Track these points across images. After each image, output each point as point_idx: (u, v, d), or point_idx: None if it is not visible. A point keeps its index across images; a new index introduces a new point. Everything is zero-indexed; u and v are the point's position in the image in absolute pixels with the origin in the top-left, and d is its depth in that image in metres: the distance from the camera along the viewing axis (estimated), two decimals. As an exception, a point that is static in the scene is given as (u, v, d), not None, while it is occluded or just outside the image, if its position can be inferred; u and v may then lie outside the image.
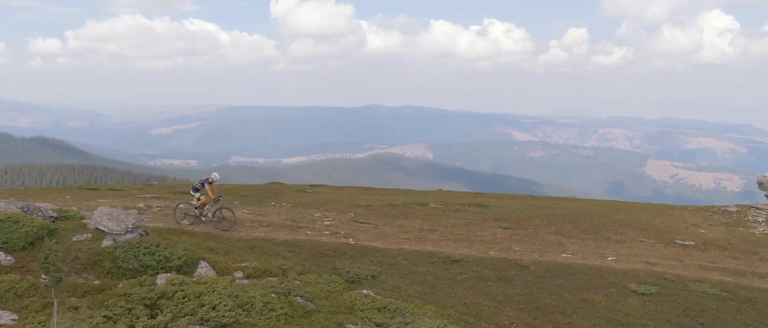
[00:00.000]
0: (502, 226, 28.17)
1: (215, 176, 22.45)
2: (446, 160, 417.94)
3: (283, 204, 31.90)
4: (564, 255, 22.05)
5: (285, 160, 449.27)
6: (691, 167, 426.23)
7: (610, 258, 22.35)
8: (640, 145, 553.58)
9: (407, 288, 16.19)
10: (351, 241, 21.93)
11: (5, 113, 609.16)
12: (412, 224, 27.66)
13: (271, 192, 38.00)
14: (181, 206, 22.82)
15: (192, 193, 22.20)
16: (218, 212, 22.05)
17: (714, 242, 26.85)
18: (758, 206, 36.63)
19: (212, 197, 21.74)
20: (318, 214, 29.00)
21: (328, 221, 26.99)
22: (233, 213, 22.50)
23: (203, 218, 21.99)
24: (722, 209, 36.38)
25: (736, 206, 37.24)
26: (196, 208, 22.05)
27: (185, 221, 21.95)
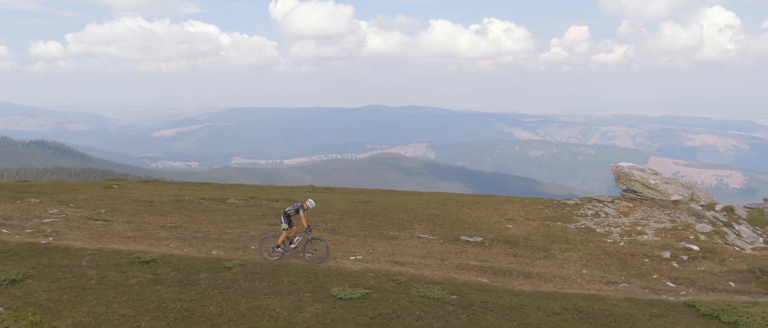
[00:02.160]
0: (272, 222, 27.92)
1: (310, 203, 20.56)
2: (448, 160, 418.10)
3: (32, 200, 30.85)
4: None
5: (287, 162, 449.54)
6: (692, 164, 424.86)
7: (357, 257, 21.64)
8: (642, 143, 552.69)
9: (44, 295, 14.77)
10: (42, 241, 20.89)
11: (10, 117, 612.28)
12: (164, 221, 27.10)
13: (68, 188, 36.87)
14: (270, 236, 21.57)
15: (283, 220, 20.15)
16: (309, 243, 20.58)
17: (508, 238, 26.48)
18: (600, 199, 36.71)
19: (304, 226, 20.07)
20: (55, 210, 28.32)
21: (53, 218, 26.20)
22: (326, 244, 21.01)
23: (291, 248, 20.44)
24: (562, 202, 36.21)
25: (580, 199, 37.06)
26: (278, 244, 20.30)
27: (273, 257, 20.18)
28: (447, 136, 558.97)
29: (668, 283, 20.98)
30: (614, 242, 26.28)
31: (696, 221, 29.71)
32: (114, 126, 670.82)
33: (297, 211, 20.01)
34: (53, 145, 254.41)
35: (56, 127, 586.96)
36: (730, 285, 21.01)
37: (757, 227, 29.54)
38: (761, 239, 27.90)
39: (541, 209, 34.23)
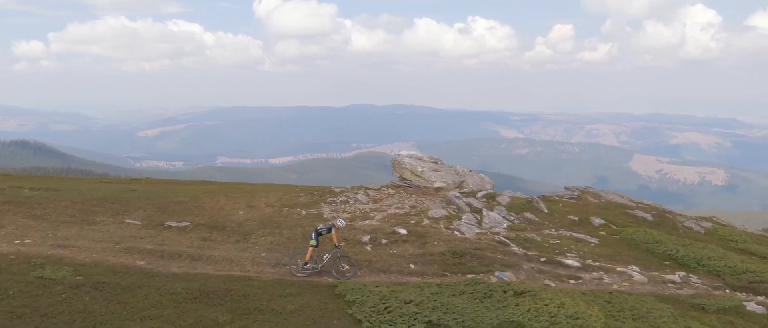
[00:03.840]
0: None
1: (341, 222, 21.34)
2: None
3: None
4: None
5: (272, 161, 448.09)
6: (676, 161, 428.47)
7: (25, 241, 22.40)
8: (626, 141, 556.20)
9: None
10: None
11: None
12: None
13: None
14: (299, 253, 21.75)
15: (313, 237, 20.58)
16: (336, 259, 20.91)
17: (218, 224, 27.23)
18: (368, 186, 37.73)
19: (336, 244, 20.58)
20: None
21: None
22: (353, 261, 21.53)
23: (316, 265, 20.79)
24: (328, 189, 37.25)
25: (352, 187, 37.99)
26: (306, 261, 20.67)
27: (302, 274, 20.51)
28: (433, 134, 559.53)
29: (344, 265, 21.49)
30: None
31: (443, 207, 30.76)
32: (97, 126, 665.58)
33: (329, 230, 20.54)
34: (34, 146, 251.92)
35: (39, 127, 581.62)
36: (410, 267, 21.83)
37: (512, 213, 31.16)
38: (506, 224, 29.47)
39: (299, 196, 34.72)
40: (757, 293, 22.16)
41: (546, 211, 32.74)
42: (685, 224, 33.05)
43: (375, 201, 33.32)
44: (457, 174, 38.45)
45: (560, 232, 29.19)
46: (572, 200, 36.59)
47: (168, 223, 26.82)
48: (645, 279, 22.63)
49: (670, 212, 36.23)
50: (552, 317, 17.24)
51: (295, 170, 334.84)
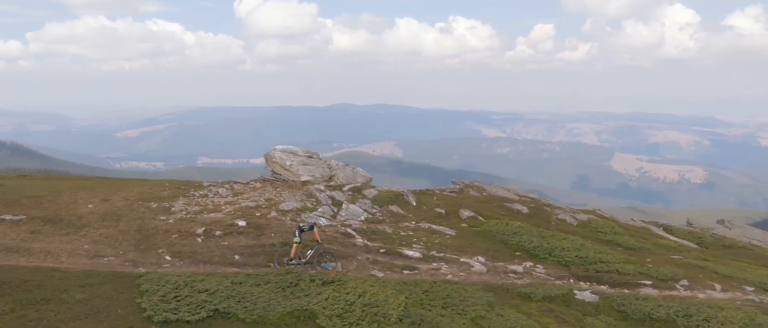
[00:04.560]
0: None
1: (323, 221, 23.49)
2: (415, 158, 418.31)
3: None
4: None
5: (253, 161, 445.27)
6: (655, 160, 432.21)
7: None
8: (607, 140, 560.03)
9: None
10: None
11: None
12: None
13: None
14: (282, 250, 22.50)
15: (296, 234, 21.49)
16: (319, 255, 21.83)
17: (58, 217, 27.00)
18: (237, 180, 38.21)
19: (317, 241, 21.66)
20: None
21: None
22: (335, 256, 22.47)
23: (300, 260, 21.59)
24: (196, 183, 37.25)
25: (223, 181, 38.03)
26: (291, 257, 21.51)
27: (278, 266, 21.34)
28: (414, 134, 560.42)
29: (166, 256, 21.87)
30: (166, 220, 27.00)
31: (301, 200, 31.18)
32: (77, 126, 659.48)
33: (311, 227, 21.66)
34: (11, 146, 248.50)
35: (17, 127, 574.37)
36: (235, 258, 22.06)
37: (376, 206, 31.69)
38: (364, 216, 30.08)
39: (162, 190, 34.60)
40: (600, 282, 22.91)
41: (414, 204, 33.14)
42: (559, 216, 33.95)
43: (236, 194, 33.52)
44: (329, 168, 39.11)
45: (419, 224, 29.60)
46: (453, 194, 37.70)
47: (3, 216, 26.49)
48: (485, 269, 23.10)
49: (549, 205, 37.06)
50: (348, 304, 17.83)
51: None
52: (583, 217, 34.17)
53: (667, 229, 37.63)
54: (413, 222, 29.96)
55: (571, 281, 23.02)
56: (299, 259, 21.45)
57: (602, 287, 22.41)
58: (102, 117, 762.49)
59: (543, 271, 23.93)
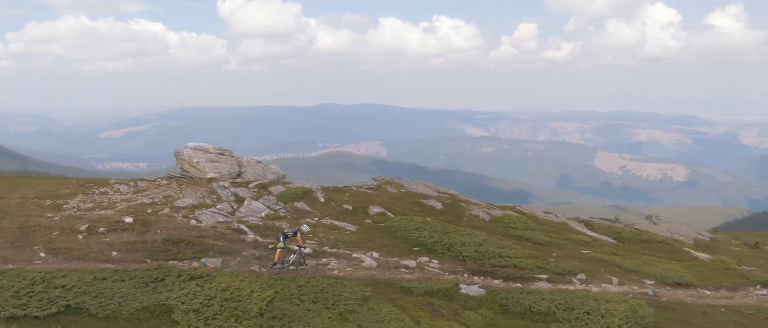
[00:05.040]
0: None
1: (305, 227, 22.93)
2: (400, 158, 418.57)
3: None
4: None
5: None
6: (638, 158, 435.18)
7: None
8: (591, 139, 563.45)
9: None
10: None
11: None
12: None
13: None
14: (266, 255, 22.84)
15: (280, 239, 21.79)
16: (301, 259, 22.25)
17: None
18: (144, 178, 38.93)
19: (302, 245, 22.25)
20: None
21: None
22: (316, 261, 22.87)
23: (284, 265, 21.91)
24: (104, 181, 37.70)
25: (132, 180, 38.48)
26: (275, 261, 21.83)
27: (272, 272, 21.49)
28: (399, 133, 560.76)
29: (41, 253, 21.68)
30: (52, 217, 26.82)
31: (201, 197, 31.06)
32: (59, 127, 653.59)
33: (295, 233, 21.92)
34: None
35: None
36: (112, 254, 21.99)
37: (281, 202, 31.70)
38: (265, 212, 30.11)
39: (64, 188, 34.72)
40: (495, 276, 23.21)
41: (322, 201, 33.05)
42: (472, 212, 34.14)
43: (137, 192, 33.64)
44: (239, 165, 39.17)
45: (322, 221, 29.53)
46: (369, 190, 37.95)
47: None
48: (375, 264, 23.28)
49: (465, 201, 37.28)
50: (208, 299, 17.69)
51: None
52: (498, 212, 34.42)
53: (588, 224, 38.11)
54: (316, 218, 29.86)
55: (465, 275, 23.20)
56: (282, 263, 21.71)
57: (495, 281, 22.69)
58: (85, 118, 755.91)
59: (437, 266, 24.07)
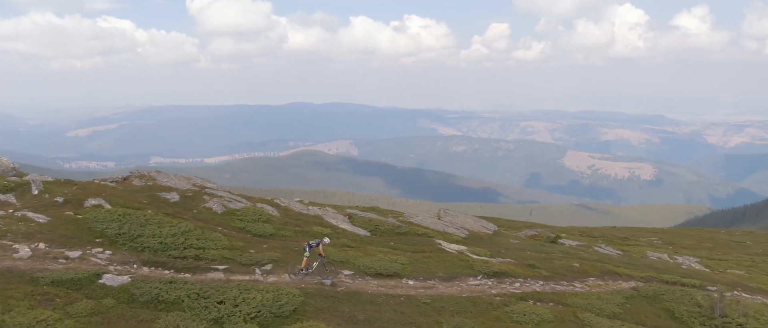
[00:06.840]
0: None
1: (327, 239, 24.65)
2: (371, 157, 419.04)
3: None
4: None
5: (207, 160, 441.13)
6: (607, 157, 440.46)
7: None
8: (560, 138, 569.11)
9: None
10: None
11: None
12: None
13: None
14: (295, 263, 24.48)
15: (307, 250, 23.53)
16: (322, 266, 23.99)
17: None
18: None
19: (323, 255, 23.97)
20: None
21: None
22: (336, 265, 24.82)
23: (308, 271, 23.69)
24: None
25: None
26: (302, 267, 23.69)
27: (298, 277, 23.48)
28: (370, 132, 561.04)
29: None
30: None
31: None
32: (25, 126, 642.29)
33: (317, 244, 23.79)
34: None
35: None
36: None
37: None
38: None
39: None
40: (167, 267, 23.01)
41: (35, 193, 31.30)
42: (206, 205, 33.16)
43: None
44: None
45: (17, 213, 27.57)
46: (113, 183, 35.53)
47: None
48: (29, 254, 22.36)
49: (210, 195, 34.91)
50: None
51: (229, 169, 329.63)
52: (237, 205, 33.74)
53: (351, 218, 37.81)
54: (12, 210, 28.14)
55: (135, 266, 22.75)
56: (307, 269, 23.63)
57: (165, 272, 22.31)
58: (52, 116, 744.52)
59: (107, 256, 23.44)
